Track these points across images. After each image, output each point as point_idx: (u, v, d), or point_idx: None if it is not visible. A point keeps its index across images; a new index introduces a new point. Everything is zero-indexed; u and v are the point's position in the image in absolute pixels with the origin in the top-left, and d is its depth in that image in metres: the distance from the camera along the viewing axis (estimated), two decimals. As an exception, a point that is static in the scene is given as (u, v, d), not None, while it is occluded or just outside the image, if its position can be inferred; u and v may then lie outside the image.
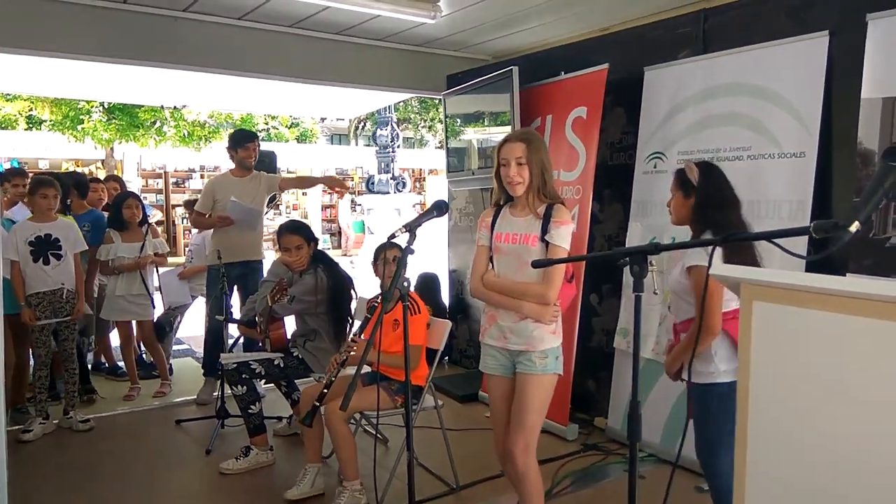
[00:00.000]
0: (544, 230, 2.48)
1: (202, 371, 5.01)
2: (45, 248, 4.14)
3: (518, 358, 2.55)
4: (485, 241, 2.64)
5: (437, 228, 4.35)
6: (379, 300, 3.46)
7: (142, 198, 5.39)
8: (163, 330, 5.24)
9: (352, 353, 3.21)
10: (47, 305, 4.14)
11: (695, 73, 3.75)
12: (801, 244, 2.89)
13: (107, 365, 5.57)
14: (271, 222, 9.87)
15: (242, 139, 4.89)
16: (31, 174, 5.57)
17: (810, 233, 1.41)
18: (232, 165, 4.96)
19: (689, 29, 3.86)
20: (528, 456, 2.51)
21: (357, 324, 3.71)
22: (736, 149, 3.52)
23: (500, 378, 2.63)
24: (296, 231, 3.85)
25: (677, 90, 3.84)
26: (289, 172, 19.50)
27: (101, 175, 13.51)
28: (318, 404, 3.20)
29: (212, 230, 4.94)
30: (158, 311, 5.26)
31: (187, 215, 6.06)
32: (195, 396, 4.91)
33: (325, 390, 3.23)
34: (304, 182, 7.33)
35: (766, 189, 3.37)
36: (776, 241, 1.53)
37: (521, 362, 2.54)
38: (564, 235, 2.48)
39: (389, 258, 3.36)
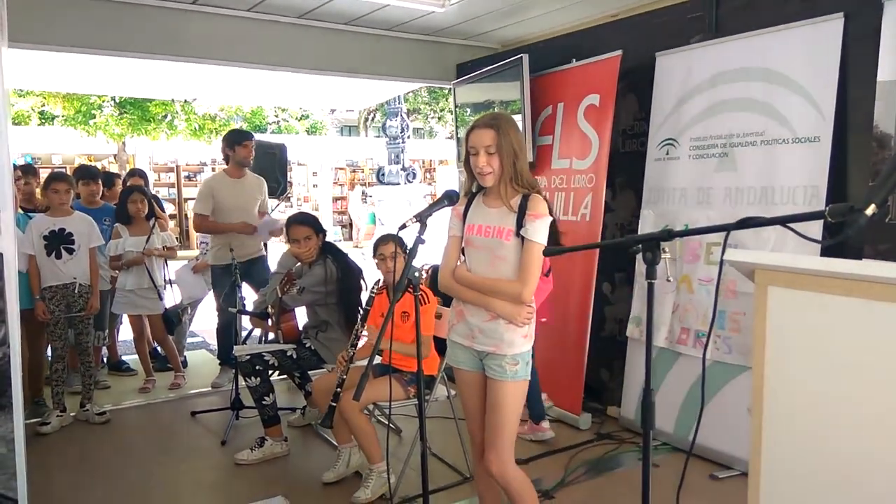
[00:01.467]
0: (519, 224, 2.32)
1: (218, 361, 5.18)
2: (58, 242, 4.16)
3: (486, 360, 2.40)
4: (457, 231, 2.49)
5: (445, 220, 4.33)
6: (376, 291, 3.47)
7: (154, 192, 5.36)
8: (171, 322, 5.24)
9: (359, 347, 3.22)
10: (61, 299, 4.17)
11: (707, 58, 3.71)
12: (815, 229, 2.86)
13: (111, 360, 5.58)
14: (282, 215, 9.91)
15: (240, 137, 4.88)
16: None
17: (826, 217, 1.39)
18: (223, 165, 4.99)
19: (701, 13, 3.81)
20: (504, 469, 2.38)
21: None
22: (749, 134, 3.48)
23: (469, 373, 2.47)
24: (304, 222, 3.86)
25: (689, 75, 3.79)
26: (299, 165, 19.64)
27: (114, 169, 13.64)
28: (334, 404, 3.22)
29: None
30: (169, 304, 5.28)
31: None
32: (210, 388, 5.02)
33: (339, 389, 3.24)
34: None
35: (781, 175, 3.34)
36: (791, 225, 1.51)
37: (489, 366, 2.38)
38: (540, 230, 2.31)
39: (386, 254, 3.36)
